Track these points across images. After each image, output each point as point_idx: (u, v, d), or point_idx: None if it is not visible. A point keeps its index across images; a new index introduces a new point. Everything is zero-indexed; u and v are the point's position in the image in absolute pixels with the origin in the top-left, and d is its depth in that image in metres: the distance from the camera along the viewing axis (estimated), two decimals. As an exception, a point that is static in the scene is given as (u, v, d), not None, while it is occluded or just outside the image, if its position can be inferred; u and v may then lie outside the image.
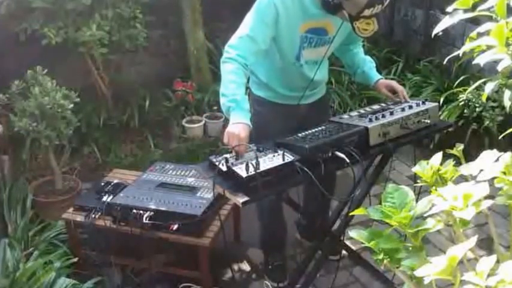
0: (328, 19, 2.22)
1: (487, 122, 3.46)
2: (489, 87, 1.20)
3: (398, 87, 2.45)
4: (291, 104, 2.46)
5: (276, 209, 2.70)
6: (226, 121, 2.14)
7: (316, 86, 2.49)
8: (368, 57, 2.58)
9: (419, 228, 1.02)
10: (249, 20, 2.20)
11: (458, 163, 1.16)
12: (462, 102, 3.64)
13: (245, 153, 2.00)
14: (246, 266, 2.91)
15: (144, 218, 2.46)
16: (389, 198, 1.09)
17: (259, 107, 2.50)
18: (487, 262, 0.82)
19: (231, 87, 2.11)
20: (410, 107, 2.24)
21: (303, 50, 2.31)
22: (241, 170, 1.87)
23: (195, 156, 3.86)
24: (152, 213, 2.48)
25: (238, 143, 1.99)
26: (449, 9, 1.15)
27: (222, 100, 2.14)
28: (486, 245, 2.62)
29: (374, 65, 2.56)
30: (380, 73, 4.93)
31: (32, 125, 2.93)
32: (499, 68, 1.01)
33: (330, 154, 2.00)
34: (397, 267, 1.02)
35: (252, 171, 1.85)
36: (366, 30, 2.07)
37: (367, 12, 2.01)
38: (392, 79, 4.42)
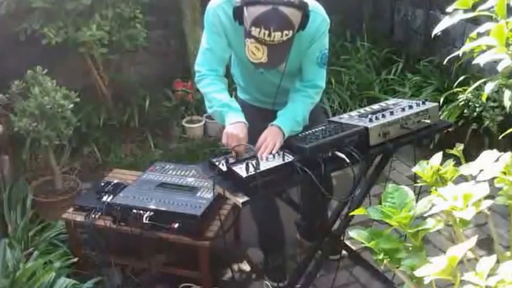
0: None
1: (487, 122, 3.46)
2: (489, 87, 1.21)
3: (261, 140, 2.10)
4: (268, 109, 2.37)
5: (271, 209, 2.68)
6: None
7: (288, 93, 2.31)
8: (299, 107, 2.23)
9: (419, 228, 1.03)
10: (204, 35, 2.21)
11: (458, 163, 1.16)
12: (462, 102, 3.64)
13: (245, 153, 2.00)
14: (246, 266, 2.91)
15: (144, 218, 2.46)
16: (390, 198, 1.10)
17: (243, 109, 2.49)
18: (487, 262, 0.82)
19: (215, 96, 2.15)
20: (411, 107, 2.23)
21: None
22: (241, 170, 1.87)
23: (195, 156, 3.86)
24: (152, 213, 2.48)
25: (237, 143, 2.00)
26: (449, 9, 1.15)
27: (211, 111, 2.18)
28: (486, 245, 2.61)
29: (292, 115, 2.20)
30: (379, 74, 4.90)
31: (32, 125, 2.93)
32: (499, 68, 1.01)
33: (330, 154, 2.01)
34: (397, 267, 1.02)
35: (252, 171, 1.85)
36: (254, 54, 1.94)
37: (254, 32, 1.87)
38: (392, 79, 4.47)
